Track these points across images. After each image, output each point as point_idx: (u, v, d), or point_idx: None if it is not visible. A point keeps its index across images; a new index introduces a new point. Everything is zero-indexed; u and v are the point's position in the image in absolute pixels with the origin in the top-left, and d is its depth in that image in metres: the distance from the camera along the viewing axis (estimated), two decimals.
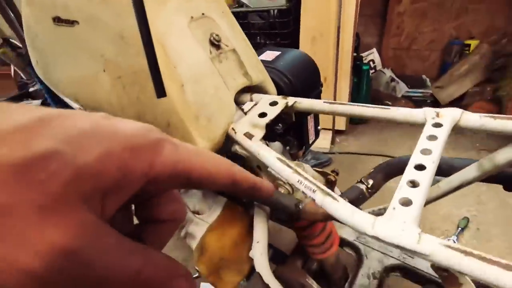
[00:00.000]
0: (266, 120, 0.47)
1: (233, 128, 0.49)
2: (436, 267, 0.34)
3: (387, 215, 0.31)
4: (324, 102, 0.50)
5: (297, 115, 0.58)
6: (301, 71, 0.68)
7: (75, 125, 0.13)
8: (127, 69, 0.46)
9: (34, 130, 0.12)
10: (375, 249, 0.72)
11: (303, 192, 0.38)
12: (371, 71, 2.45)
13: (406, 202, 0.31)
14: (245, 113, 0.51)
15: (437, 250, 0.27)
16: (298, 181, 0.38)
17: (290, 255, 0.77)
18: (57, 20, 0.47)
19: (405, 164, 0.51)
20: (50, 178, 0.11)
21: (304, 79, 0.68)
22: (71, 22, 0.46)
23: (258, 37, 1.87)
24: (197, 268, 0.68)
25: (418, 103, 2.26)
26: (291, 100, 0.51)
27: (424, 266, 0.70)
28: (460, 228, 1.33)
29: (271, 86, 0.59)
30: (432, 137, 0.38)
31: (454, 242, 1.08)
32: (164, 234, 0.18)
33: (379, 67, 2.58)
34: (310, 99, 0.51)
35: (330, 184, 0.70)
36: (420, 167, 0.34)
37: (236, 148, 0.49)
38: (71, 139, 0.12)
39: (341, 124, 2.04)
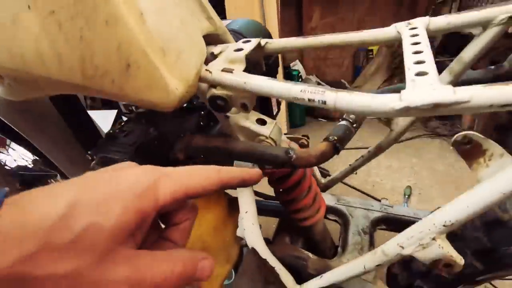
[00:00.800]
0: (244, 52, 0.42)
1: (207, 69, 0.42)
2: (458, 142, 0.32)
3: (409, 87, 0.29)
4: (296, 38, 0.48)
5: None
6: (255, 33, 0.66)
7: (93, 197, 0.18)
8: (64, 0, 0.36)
9: (70, 215, 0.16)
10: (358, 207, 0.71)
11: (308, 100, 0.33)
12: (299, 80, 2.65)
13: (422, 73, 0.30)
14: (216, 56, 0.45)
15: (476, 93, 0.25)
16: (301, 91, 0.34)
17: (275, 235, 0.70)
18: None
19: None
20: (95, 243, 0.17)
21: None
22: None
23: None
24: None
25: None
26: (262, 41, 0.48)
27: (404, 212, 0.71)
28: (406, 196, 1.46)
29: (230, 39, 0.55)
30: (416, 43, 0.38)
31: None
32: (185, 231, 0.24)
33: (304, 75, 2.81)
34: (281, 39, 0.49)
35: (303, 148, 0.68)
36: (419, 62, 0.34)
37: (213, 91, 0.42)
38: (97, 211, 0.17)
39: (283, 129, 2.10)
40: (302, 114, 2.51)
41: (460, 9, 1.89)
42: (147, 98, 0.39)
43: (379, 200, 0.81)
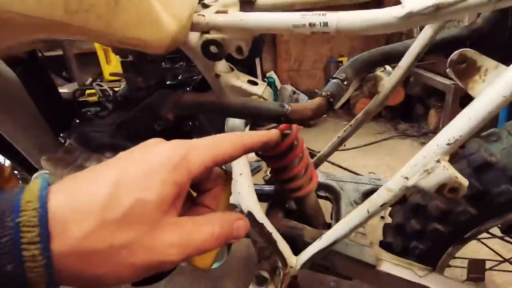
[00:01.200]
0: None
1: (199, 14, 0.41)
2: (454, 62, 0.34)
3: None
4: None
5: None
6: None
7: (134, 175, 0.20)
8: None
9: (117, 194, 0.19)
10: (348, 181, 0.71)
11: (310, 24, 0.33)
12: (275, 89, 2.71)
13: None
14: (208, 6, 0.44)
15: None
16: (302, 16, 0.33)
17: (267, 212, 0.67)
18: None
19: (370, 58, 0.53)
20: (144, 215, 0.19)
21: None
22: None
23: None
24: None
25: None
26: None
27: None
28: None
29: None
30: None
31: None
32: (215, 196, 0.27)
33: (279, 86, 2.88)
34: None
35: None
36: None
37: (206, 36, 0.41)
38: (139, 187, 0.19)
39: None
40: None
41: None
42: (138, 35, 0.37)
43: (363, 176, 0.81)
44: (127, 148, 0.58)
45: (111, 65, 2.49)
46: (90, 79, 2.60)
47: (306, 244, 0.55)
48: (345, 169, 1.29)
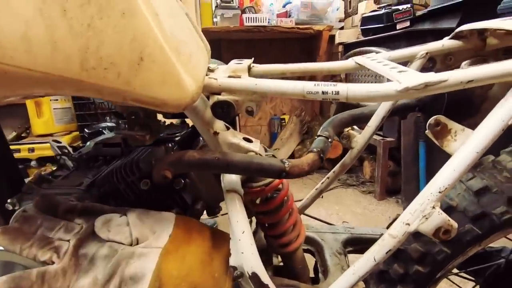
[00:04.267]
0: (246, 63, 0.46)
1: (210, 77, 0.44)
2: (432, 125, 0.42)
3: (398, 75, 0.38)
4: (276, 65, 0.56)
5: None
6: None
7: None
8: None
9: None
10: (326, 232, 0.74)
11: (322, 92, 0.38)
12: None
13: (403, 71, 0.40)
14: (213, 70, 0.47)
15: (451, 74, 0.35)
16: (315, 85, 0.39)
17: None
18: None
19: (342, 120, 0.62)
20: None
21: None
22: None
23: None
24: None
25: None
26: (251, 64, 0.53)
27: (364, 231, 0.77)
28: None
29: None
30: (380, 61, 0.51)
31: None
32: None
33: None
34: (264, 65, 0.56)
35: None
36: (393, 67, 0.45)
37: (218, 97, 0.43)
38: None
39: None
40: None
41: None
42: (158, 94, 0.37)
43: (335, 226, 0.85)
44: (102, 212, 0.52)
45: (42, 119, 2.25)
46: (14, 133, 2.27)
47: None
48: (320, 220, 1.31)
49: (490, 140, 0.36)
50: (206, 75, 0.45)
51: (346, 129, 0.71)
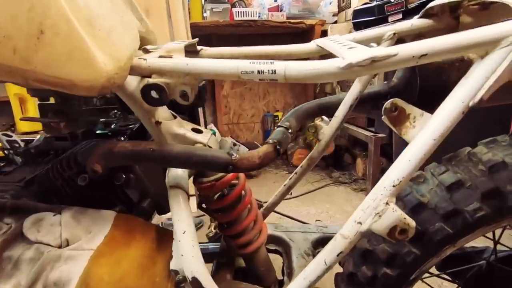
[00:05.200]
0: (184, 43, 0.41)
1: (140, 58, 0.38)
2: (387, 110, 0.37)
3: (346, 51, 0.33)
4: (230, 48, 0.50)
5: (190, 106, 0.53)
6: None
7: None
8: None
9: None
10: (296, 231, 0.69)
11: (258, 71, 0.33)
12: None
13: (353, 47, 0.34)
14: (149, 51, 0.42)
15: (401, 48, 0.30)
16: (250, 63, 0.34)
17: (213, 275, 0.59)
18: None
19: (308, 109, 0.57)
20: None
21: None
22: None
23: None
24: None
25: None
26: (199, 47, 0.48)
27: (338, 230, 0.72)
28: None
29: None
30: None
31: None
32: None
33: (219, 139, 2.90)
34: (215, 48, 0.50)
35: None
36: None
37: (148, 80, 0.38)
38: None
39: None
40: None
41: (338, 83, 2.42)
42: (64, 73, 0.32)
43: (309, 224, 0.80)
44: (35, 211, 0.47)
45: (27, 116, 2.21)
46: None
47: None
48: (291, 218, 1.27)
49: (448, 125, 0.31)
50: (139, 55, 0.40)
51: (316, 120, 0.66)
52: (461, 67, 0.54)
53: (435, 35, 0.50)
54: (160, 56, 0.38)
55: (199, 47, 0.49)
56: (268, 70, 0.33)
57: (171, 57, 0.37)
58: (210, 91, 2.99)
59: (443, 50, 0.30)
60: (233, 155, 0.43)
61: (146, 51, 0.43)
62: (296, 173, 0.66)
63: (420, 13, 0.50)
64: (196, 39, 0.47)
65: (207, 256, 0.69)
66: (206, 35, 2.68)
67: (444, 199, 0.48)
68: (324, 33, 2.61)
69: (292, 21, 2.47)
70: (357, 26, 2.20)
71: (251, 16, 2.37)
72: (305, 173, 0.66)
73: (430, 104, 0.57)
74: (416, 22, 0.49)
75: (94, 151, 0.41)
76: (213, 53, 0.49)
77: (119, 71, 0.35)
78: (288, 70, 0.33)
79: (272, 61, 0.33)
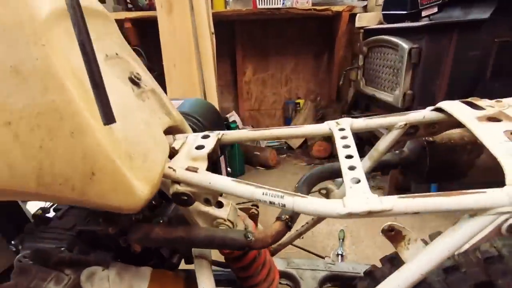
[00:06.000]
0: (206, 150, 0.46)
1: (170, 167, 0.45)
2: (385, 230, 0.41)
3: (349, 194, 0.37)
4: (248, 130, 0.55)
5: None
6: (205, 112, 0.72)
7: None
8: (24, 111, 0.36)
9: None
10: (306, 269, 0.77)
11: (270, 202, 0.39)
12: None
13: (356, 181, 0.39)
14: (177, 151, 0.48)
15: (396, 203, 0.34)
16: (263, 193, 0.39)
17: None
18: None
19: (321, 174, 0.61)
20: None
21: (209, 119, 0.72)
22: None
23: None
24: None
25: (278, 150, 2.74)
26: (219, 134, 0.53)
27: (344, 268, 0.79)
28: (341, 239, 1.60)
29: (187, 127, 0.59)
30: (344, 137, 0.49)
31: (342, 252, 1.28)
32: None
33: (240, 126, 2.96)
34: (234, 131, 0.55)
35: (253, 218, 0.72)
36: (349, 156, 0.43)
37: (177, 187, 0.44)
38: None
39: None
40: (241, 163, 2.59)
41: (363, 75, 2.33)
42: (111, 202, 0.39)
43: (323, 257, 0.88)
44: (87, 264, 0.57)
45: None
46: None
47: None
48: (302, 249, 1.30)
49: (435, 264, 0.36)
50: (170, 154, 0.46)
51: (328, 184, 0.70)
52: (473, 150, 0.55)
53: (448, 123, 0.51)
54: (187, 168, 0.44)
55: (220, 132, 0.53)
56: (279, 203, 0.38)
57: (196, 172, 0.43)
58: (232, 78, 2.99)
59: (435, 211, 0.33)
60: (249, 237, 0.50)
61: (175, 150, 0.49)
62: (307, 223, 0.73)
63: (433, 107, 0.51)
64: (216, 134, 0.52)
65: (228, 282, 0.79)
66: (229, 22, 2.63)
67: (439, 279, 0.52)
68: (353, 18, 2.47)
69: (318, 8, 2.35)
70: (387, 19, 2.07)
71: (274, 4, 2.28)
72: (316, 224, 0.72)
73: (437, 180, 0.59)
74: (428, 114, 0.50)
75: (133, 235, 0.50)
76: (233, 137, 0.54)
77: (153, 189, 0.42)
78: (296, 205, 0.38)
79: (283, 194, 0.39)
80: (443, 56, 1.62)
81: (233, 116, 2.93)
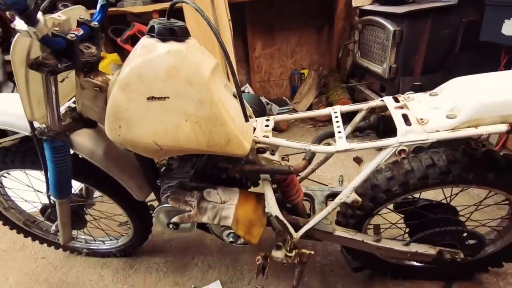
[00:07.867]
0: (270, 127, 0.98)
1: (255, 135, 0.96)
2: (355, 158, 0.94)
3: (337, 143, 0.88)
4: (284, 115, 1.05)
5: None
6: (256, 103, 1.22)
7: None
8: (203, 116, 0.86)
9: None
10: (317, 190, 1.32)
11: (304, 149, 0.91)
12: None
13: (340, 137, 0.90)
14: (254, 128, 0.99)
15: (355, 145, 0.86)
16: (300, 145, 0.91)
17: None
18: (151, 98, 0.83)
19: (325, 134, 1.13)
20: None
21: (259, 106, 1.22)
22: (163, 98, 0.83)
23: None
24: (237, 234, 1.07)
25: None
26: (274, 117, 1.04)
27: (339, 189, 1.34)
28: (340, 182, 2.17)
29: (252, 114, 1.10)
30: (336, 117, 0.99)
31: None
32: None
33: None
34: (278, 115, 1.06)
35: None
36: (338, 126, 0.94)
37: (258, 145, 0.97)
38: None
39: None
40: None
41: (359, 48, 2.73)
42: (235, 152, 0.92)
43: (327, 185, 1.43)
44: (204, 188, 1.17)
45: None
46: None
47: (301, 227, 1.15)
48: (319, 183, 1.84)
49: (373, 169, 0.88)
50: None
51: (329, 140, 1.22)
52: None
53: (386, 109, 1.02)
54: (263, 136, 0.95)
55: (274, 117, 1.04)
56: (305, 149, 0.90)
57: (268, 137, 0.95)
58: (244, 53, 3.38)
59: (370, 147, 0.85)
60: (290, 168, 1.03)
61: (254, 129, 1.00)
62: (320, 161, 1.26)
63: (380, 99, 1.00)
64: (274, 118, 1.02)
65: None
66: (239, 4, 2.96)
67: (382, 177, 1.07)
68: None
69: None
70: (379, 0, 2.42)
71: None
72: (322, 164, 1.26)
73: (385, 134, 1.11)
74: (379, 103, 1.00)
75: (236, 168, 1.03)
76: (277, 120, 1.05)
77: (250, 145, 0.94)
78: (313, 149, 0.89)
79: (308, 145, 0.90)
80: (420, 36, 2.04)
81: (246, 88, 3.38)
